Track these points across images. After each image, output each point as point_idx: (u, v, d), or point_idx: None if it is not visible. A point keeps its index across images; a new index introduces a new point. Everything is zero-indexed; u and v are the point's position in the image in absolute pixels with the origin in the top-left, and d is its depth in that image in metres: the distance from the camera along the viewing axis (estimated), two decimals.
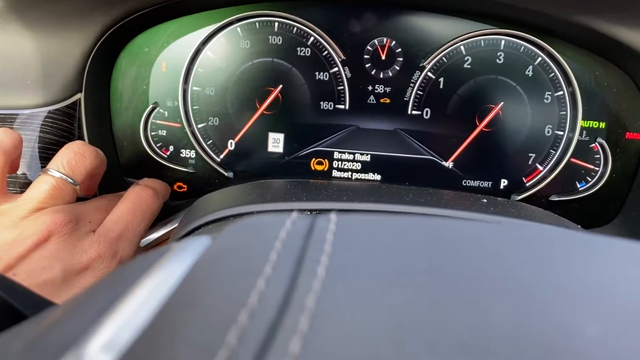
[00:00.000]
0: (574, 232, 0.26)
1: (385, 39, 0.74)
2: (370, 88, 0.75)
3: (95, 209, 0.59)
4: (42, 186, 0.55)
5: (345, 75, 0.75)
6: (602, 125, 0.75)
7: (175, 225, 0.70)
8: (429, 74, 0.75)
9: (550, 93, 0.74)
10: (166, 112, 0.76)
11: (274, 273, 0.20)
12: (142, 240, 0.70)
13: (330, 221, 0.25)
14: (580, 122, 0.74)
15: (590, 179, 0.77)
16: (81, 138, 0.69)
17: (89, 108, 0.70)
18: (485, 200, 0.55)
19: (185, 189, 0.78)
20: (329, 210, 0.46)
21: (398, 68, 0.75)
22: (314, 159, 0.77)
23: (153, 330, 0.19)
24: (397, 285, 0.19)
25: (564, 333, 0.17)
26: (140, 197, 0.62)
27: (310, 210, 0.47)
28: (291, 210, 0.46)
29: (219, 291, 0.19)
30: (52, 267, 0.49)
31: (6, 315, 0.34)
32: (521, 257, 0.22)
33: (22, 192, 0.63)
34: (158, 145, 0.77)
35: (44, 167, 0.65)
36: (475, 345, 0.16)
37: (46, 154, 0.65)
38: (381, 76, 0.75)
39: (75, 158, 0.57)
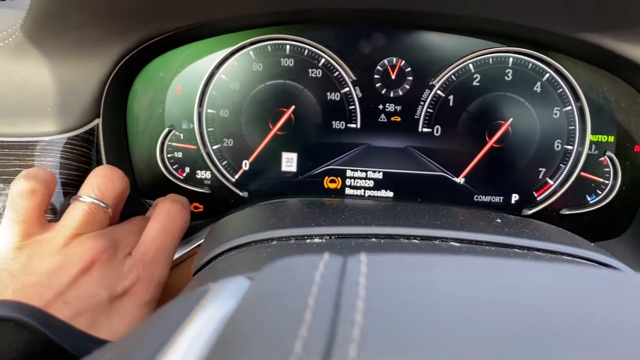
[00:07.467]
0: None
1: (395, 59, 0.76)
2: (381, 107, 0.77)
3: (129, 232, 0.61)
4: (76, 213, 0.56)
5: (356, 95, 0.76)
6: (611, 139, 0.76)
7: (195, 244, 0.71)
8: (439, 92, 0.76)
9: (558, 108, 0.76)
10: (182, 135, 0.77)
11: (314, 320, 0.21)
12: None
13: (361, 262, 0.26)
14: (589, 137, 0.75)
15: (600, 192, 0.78)
16: (100, 163, 0.71)
17: (107, 133, 0.72)
18: (499, 220, 0.56)
19: (201, 209, 0.79)
20: (349, 237, 0.47)
21: (408, 87, 0.76)
22: (327, 178, 0.79)
23: None
24: (433, 330, 0.20)
25: None
26: (170, 213, 0.63)
27: (330, 236, 0.48)
28: (319, 236, 0.47)
29: (264, 340, 0.21)
30: (99, 293, 0.52)
31: (46, 349, 0.35)
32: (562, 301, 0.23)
33: (52, 217, 0.64)
34: (174, 167, 0.78)
35: (66, 192, 0.66)
36: None
37: (67, 180, 0.67)
38: (391, 95, 0.76)
39: (104, 182, 0.59)
